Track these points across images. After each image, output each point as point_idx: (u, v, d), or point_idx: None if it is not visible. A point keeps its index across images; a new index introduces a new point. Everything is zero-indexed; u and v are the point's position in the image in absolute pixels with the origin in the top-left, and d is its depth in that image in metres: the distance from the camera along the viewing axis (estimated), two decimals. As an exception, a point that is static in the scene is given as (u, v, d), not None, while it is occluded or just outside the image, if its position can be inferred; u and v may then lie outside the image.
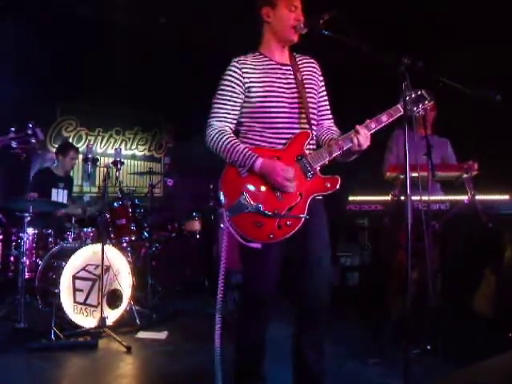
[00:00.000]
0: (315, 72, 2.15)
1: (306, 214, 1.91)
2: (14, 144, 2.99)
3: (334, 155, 1.98)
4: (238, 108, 2.02)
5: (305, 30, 2.02)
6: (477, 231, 3.28)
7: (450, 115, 3.48)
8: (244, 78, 1.99)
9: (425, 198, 2.63)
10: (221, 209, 1.93)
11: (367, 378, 2.62)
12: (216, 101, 2.03)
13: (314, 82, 2.12)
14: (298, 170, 1.95)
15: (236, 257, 2.01)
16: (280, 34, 2.05)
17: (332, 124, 2.20)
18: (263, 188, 1.92)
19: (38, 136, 3.02)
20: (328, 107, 2.20)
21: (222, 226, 1.96)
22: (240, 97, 2.01)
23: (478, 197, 2.95)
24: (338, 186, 1.96)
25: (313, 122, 2.06)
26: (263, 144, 1.99)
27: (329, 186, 1.96)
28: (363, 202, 3.19)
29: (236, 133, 2.07)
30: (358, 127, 1.94)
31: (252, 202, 1.89)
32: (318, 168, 1.98)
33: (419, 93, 2.02)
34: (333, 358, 2.75)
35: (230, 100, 2.00)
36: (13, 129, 2.98)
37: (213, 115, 2.02)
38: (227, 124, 2.02)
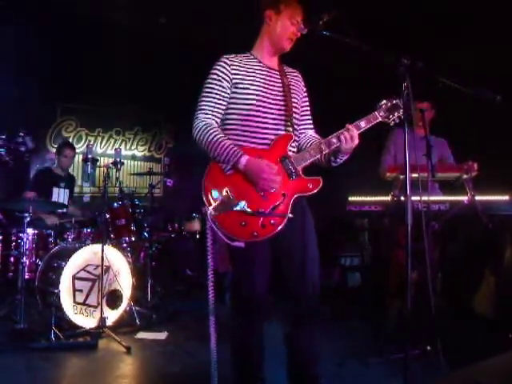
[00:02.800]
0: (299, 82, 2.20)
1: (289, 213, 1.92)
2: (1, 151, 2.97)
3: (321, 153, 1.99)
4: (225, 102, 2.02)
5: (305, 31, 2.03)
6: (477, 232, 3.28)
7: (450, 115, 3.49)
8: (232, 73, 2.00)
9: (425, 198, 2.63)
10: (204, 207, 1.91)
11: (367, 378, 2.62)
12: (203, 94, 2.03)
13: (297, 90, 2.16)
14: (281, 170, 1.96)
15: (226, 258, 2.01)
16: (275, 40, 2.08)
17: (315, 133, 2.21)
18: (247, 186, 1.92)
19: (28, 145, 3.00)
20: (310, 117, 2.23)
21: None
22: (227, 91, 2.01)
23: (478, 197, 2.94)
24: (319, 187, 1.97)
25: (296, 126, 2.10)
26: (246, 144, 1.99)
27: (311, 186, 1.97)
28: (363, 202, 3.19)
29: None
30: (348, 125, 1.98)
31: (236, 201, 1.89)
32: (301, 169, 1.99)
33: (394, 102, 2.03)
34: (333, 358, 2.76)
35: (216, 94, 2.00)
36: (3, 136, 2.95)
37: (199, 108, 2.02)
38: (214, 118, 2.01)
